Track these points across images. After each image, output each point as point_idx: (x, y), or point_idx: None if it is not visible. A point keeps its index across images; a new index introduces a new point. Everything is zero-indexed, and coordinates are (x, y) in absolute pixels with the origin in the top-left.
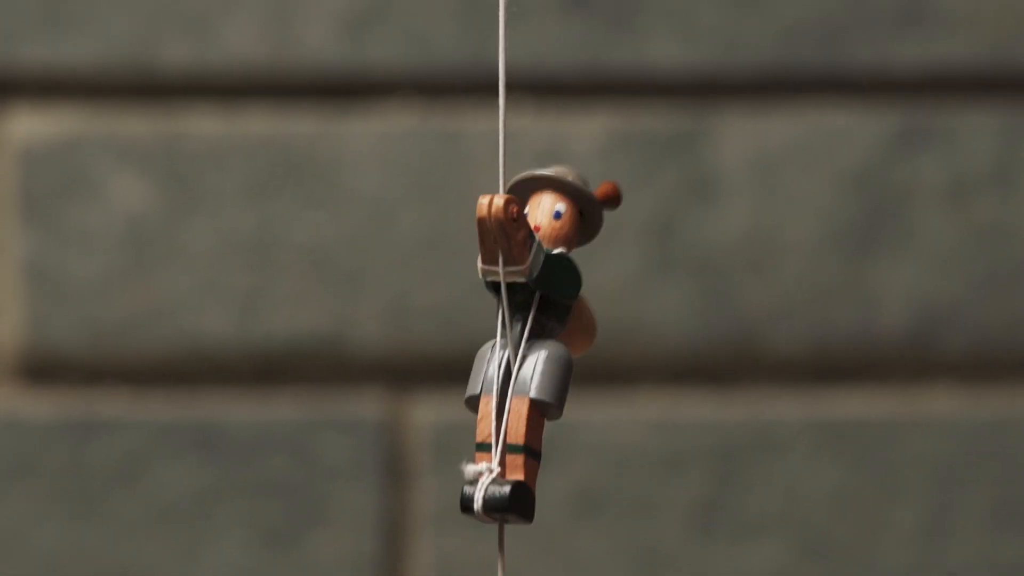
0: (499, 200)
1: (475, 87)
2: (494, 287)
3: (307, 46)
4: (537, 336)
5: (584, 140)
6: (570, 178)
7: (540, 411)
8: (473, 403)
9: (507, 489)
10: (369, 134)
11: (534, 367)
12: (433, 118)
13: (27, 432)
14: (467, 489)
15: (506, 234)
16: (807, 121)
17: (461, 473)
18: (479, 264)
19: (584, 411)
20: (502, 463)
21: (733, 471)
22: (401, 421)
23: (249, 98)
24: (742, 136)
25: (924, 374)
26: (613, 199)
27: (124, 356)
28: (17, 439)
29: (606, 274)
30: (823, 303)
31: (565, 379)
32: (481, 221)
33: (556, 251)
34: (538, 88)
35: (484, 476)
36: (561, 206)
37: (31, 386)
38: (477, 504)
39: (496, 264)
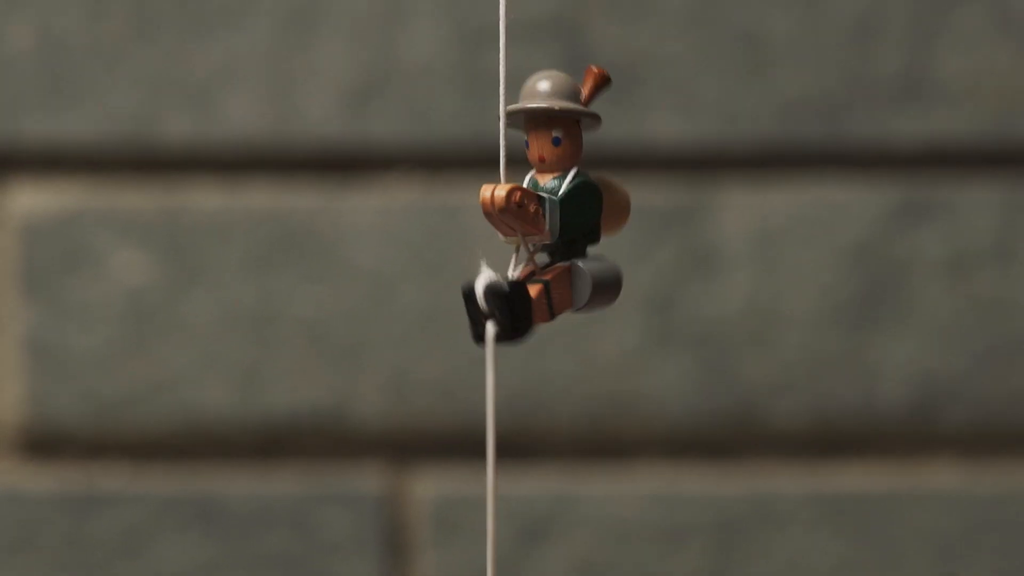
0: (501, 192)
1: (475, 161)
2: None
3: (308, 120)
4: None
5: None
6: (558, 107)
7: (572, 282)
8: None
9: (511, 281)
10: (369, 208)
11: (596, 260)
12: (434, 192)
13: (28, 506)
14: (473, 279)
15: (514, 217)
16: (807, 195)
17: (478, 265)
18: (500, 237)
19: (585, 484)
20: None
21: (734, 544)
22: (401, 495)
23: (250, 171)
24: (742, 210)
25: (925, 448)
26: (603, 83)
27: (125, 430)
28: (18, 513)
29: (606, 347)
30: (823, 376)
31: (606, 289)
32: (487, 213)
33: (566, 185)
34: None
35: (487, 273)
36: (557, 132)
37: (32, 460)
38: (479, 286)
39: (513, 235)
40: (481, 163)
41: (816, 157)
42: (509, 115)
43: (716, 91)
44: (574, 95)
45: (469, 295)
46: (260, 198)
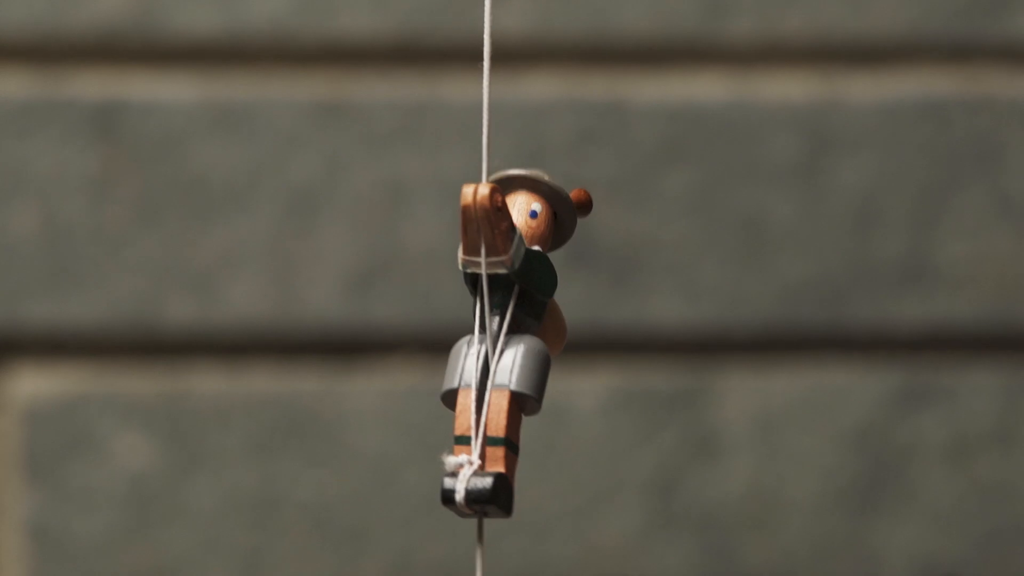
0: (484, 189)
1: None
2: (472, 281)
3: (310, 304)
4: (514, 331)
5: (587, 397)
6: (546, 179)
7: (520, 405)
8: (450, 398)
9: (489, 481)
10: (372, 391)
11: (514, 360)
12: (435, 376)
13: None
14: (447, 481)
15: (490, 223)
16: (809, 379)
17: (441, 464)
18: (460, 255)
19: None
20: (482, 456)
21: None
22: None
23: (252, 356)
24: (744, 394)
25: None
26: (585, 205)
27: None
28: None
29: (608, 531)
30: (826, 561)
31: (544, 373)
32: (465, 209)
33: (535, 248)
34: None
35: (465, 468)
36: (537, 206)
37: None
38: (459, 496)
39: (478, 255)
40: None
41: (817, 341)
42: (504, 180)
43: (717, 275)
44: (562, 189)
45: (450, 502)
46: (262, 382)
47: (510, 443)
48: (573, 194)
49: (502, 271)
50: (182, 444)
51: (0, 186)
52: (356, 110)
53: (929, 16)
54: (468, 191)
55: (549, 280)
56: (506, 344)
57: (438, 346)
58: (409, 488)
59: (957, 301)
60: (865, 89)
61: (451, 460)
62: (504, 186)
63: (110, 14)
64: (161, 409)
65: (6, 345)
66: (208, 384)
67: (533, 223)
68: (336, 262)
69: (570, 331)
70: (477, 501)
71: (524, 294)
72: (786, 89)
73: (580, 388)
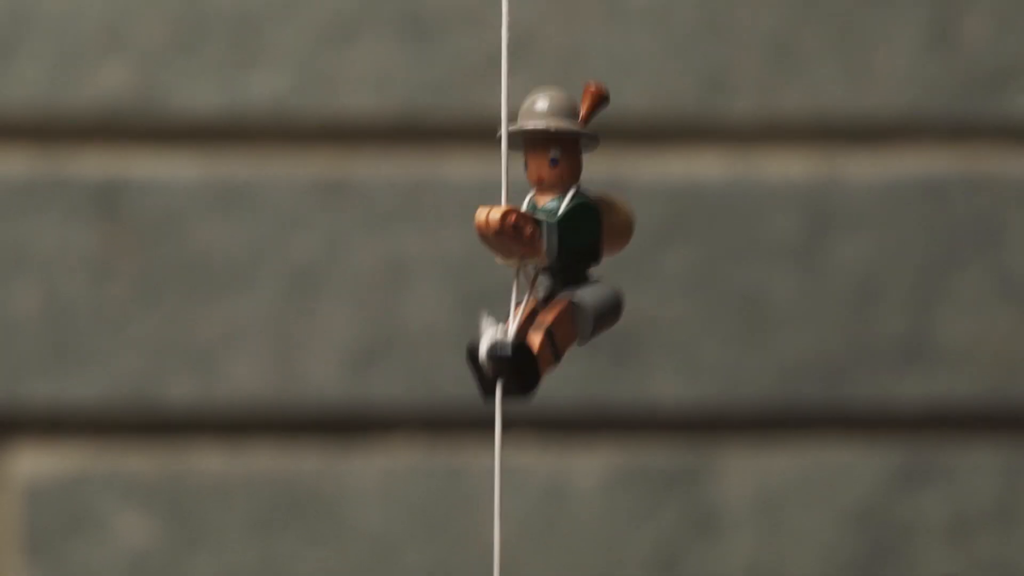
0: (495, 215)
1: (478, 423)
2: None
3: (311, 382)
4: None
5: (587, 476)
6: (554, 127)
7: (573, 318)
8: (472, 355)
9: (512, 341)
10: (373, 470)
11: (590, 287)
12: (436, 454)
13: None
14: (477, 341)
15: (508, 242)
16: (809, 457)
17: (479, 322)
18: (497, 259)
19: None
20: (521, 334)
21: None
22: None
23: (253, 434)
24: (744, 472)
25: None
26: (601, 101)
27: None
28: None
29: None
30: None
31: (607, 315)
32: (483, 236)
33: (564, 206)
34: (540, 424)
35: (498, 329)
36: (555, 152)
37: None
38: (482, 348)
39: (510, 258)
40: (483, 424)
41: (817, 419)
42: (509, 136)
43: (718, 353)
44: (572, 114)
45: (474, 359)
46: (263, 460)
47: (552, 337)
48: (585, 102)
49: (541, 266)
50: (183, 522)
51: (1, 264)
52: (357, 188)
53: (929, 95)
54: (481, 217)
55: (587, 231)
56: (593, 283)
57: (439, 424)
58: (410, 567)
59: (957, 379)
60: (865, 168)
61: (488, 321)
62: (521, 138)
63: (111, 93)
64: (162, 487)
65: (7, 423)
66: (209, 462)
67: (557, 170)
68: (337, 340)
69: (568, 409)
70: (495, 357)
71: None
72: (786, 167)
73: (580, 466)
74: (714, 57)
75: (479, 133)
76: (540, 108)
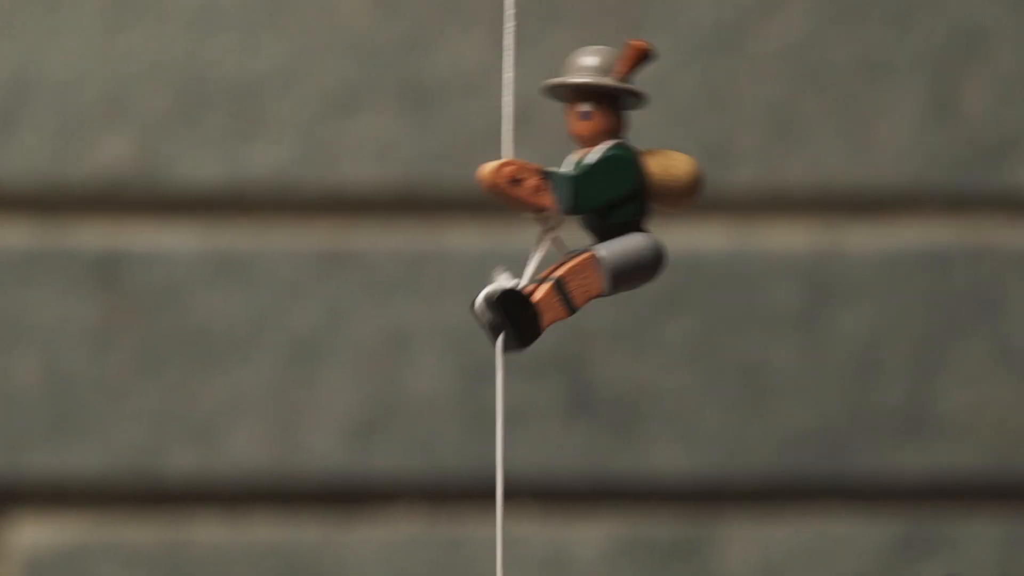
0: (490, 166)
1: (479, 493)
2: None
3: (311, 453)
4: (631, 231)
5: (588, 546)
6: (582, 82)
7: (597, 271)
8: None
9: (503, 288)
10: (373, 541)
11: (621, 239)
12: (437, 525)
13: None
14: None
15: (511, 194)
16: (810, 528)
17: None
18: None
19: None
20: (532, 288)
21: None
22: None
23: (254, 505)
24: (746, 542)
25: None
26: (641, 57)
27: None
28: None
29: None
30: None
31: (636, 267)
32: (487, 191)
33: (592, 156)
34: (541, 495)
35: (501, 280)
36: (586, 106)
37: None
38: (479, 298)
39: (529, 215)
40: (484, 495)
41: (818, 490)
42: (553, 91)
43: (718, 424)
44: (609, 70)
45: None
46: (263, 532)
47: (562, 289)
48: (623, 58)
49: (556, 218)
50: None
51: (1, 336)
52: (358, 259)
53: (930, 166)
54: (482, 173)
55: (617, 186)
56: (628, 235)
57: (440, 495)
58: None
59: (958, 450)
60: (866, 238)
61: (500, 274)
62: (558, 95)
63: (112, 164)
64: (162, 559)
65: (7, 495)
66: (210, 534)
67: (590, 124)
68: (338, 411)
69: (569, 480)
70: (492, 304)
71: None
72: (787, 238)
73: (581, 537)
74: (715, 128)
75: (480, 203)
76: (578, 63)
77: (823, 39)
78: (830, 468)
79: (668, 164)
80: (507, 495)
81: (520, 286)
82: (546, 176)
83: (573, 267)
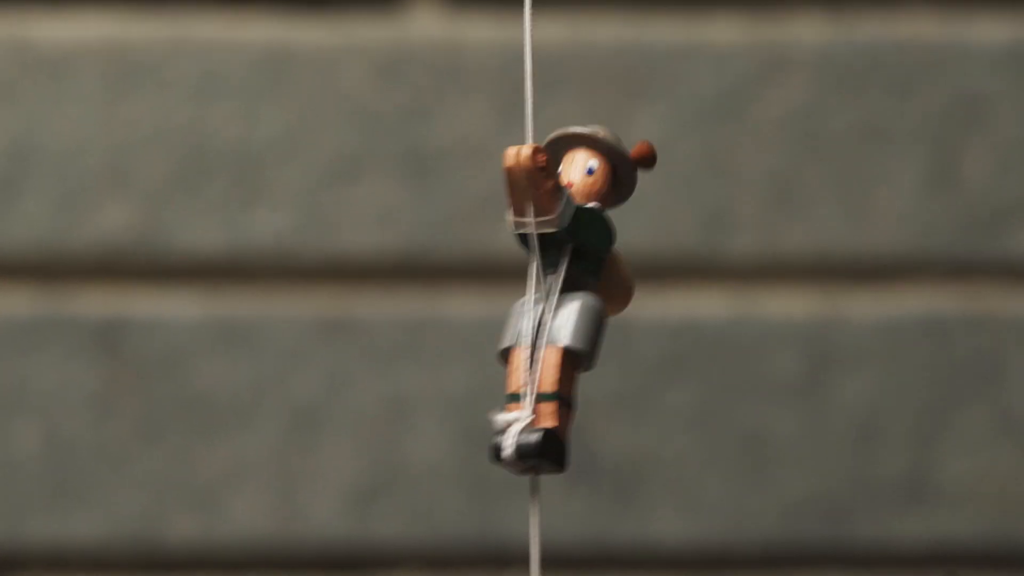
0: (526, 149)
1: (480, 560)
2: (525, 240)
3: (313, 520)
4: (571, 289)
5: None
6: (603, 135)
7: (573, 360)
8: (504, 356)
9: (537, 436)
10: None
11: (567, 317)
12: None
13: None
14: (497, 439)
15: (534, 183)
16: None
17: (491, 423)
18: (509, 217)
19: None
20: (535, 412)
21: None
22: None
23: (255, 572)
24: None
25: None
26: (648, 158)
27: None
28: None
29: None
30: None
31: (598, 329)
32: (509, 171)
33: (589, 205)
34: (543, 562)
35: (515, 424)
36: (594, 162)
37: None
38: (508, 452)
39: (526, 216)
40: (486, 561)
41: (820, 558)
42: (552, 142)
43: (720, 492)
44: (618, 144)
45: (499, 457)
46: None
47: (562, 398)
48: (635, 149)
49: (551, 230)
50: None
51: (3, 403)
52: (359, 326)
53: (929, 234)
54: (511, 152)
55: (603, 236)
56: (562, 302)
57: (441, 562)
58: None
59: (959, 518)
60: (866, 306)
61: (502, 417)
62: (563, 144)
63: (113, 232)
64: None
65: (8, 562)
66: None
67: (590, 180)
68: (339, 478)
69: (570, 547)
70: (527, 456)
71: (579, 251)
72: (787, 306)
73: None
74: (715, 196)
75: (481, 271)
76: (594, 127)
77: (823, 107)
78: (832, 536)
79: (615, 265)
80: (507, 562)
81: (527, 404)
82: (560, 187)
83: (560, 376)
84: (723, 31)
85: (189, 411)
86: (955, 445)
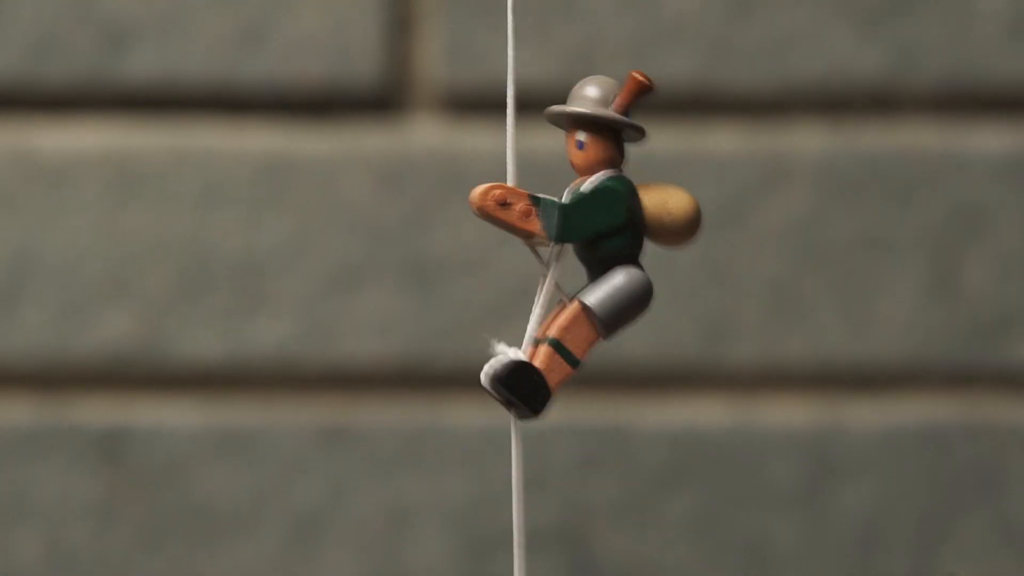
0: (477, 192)
1: None
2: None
3: None
4: (618, 264)
5: None
6: (588, 106)
7: (589, 319)
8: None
9: (507, 364)
10: None
11: (601, 283)
12: None
13: None
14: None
15: (500, 219)
16: None
17: (492, 347)
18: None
19: None
20: (533, 354)
21: None
22: None
23: None
24: None
25: None
26: (641, 90)
27: None
28: None
29: None
30: None
31: (626, 306)
32: (478, 215)
33: (586, 185)
34: None
35: (503, 355)
36: (582, 136)
37: None
38: (483, 374)
39: (523, 239)
40: None
41: None
42: (554, 118)
43: None
44: (609, 101)
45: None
46: None
47: (561, 347)
48: (624, 91)
49: (545, 245)
50: None
51: (4, 513)
52: (360, 435)
53: (930, 343)
54: (471, 195)
55: (607, 214)
56: (608, 273)
57: None
58: None
59: None
60: (866, 415)
61: (499, 347)
62: (558, 123)
63: (114, 341)
64: None
65: None
66: None
67: (583, 155)
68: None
69: None
70: (495, 381)
71: (602, 234)
72: (787, 414)
73: None
74: (715, 304)
75: (480, 382)
76: (580, 93)
77: (823, 216)
78: None
79: (665, 200)
80: None
81: (523, 350)
82: (535, 202)
83: (565, 324)
84: (724, 140)
85: (191, 520)
86: (956, 554)
